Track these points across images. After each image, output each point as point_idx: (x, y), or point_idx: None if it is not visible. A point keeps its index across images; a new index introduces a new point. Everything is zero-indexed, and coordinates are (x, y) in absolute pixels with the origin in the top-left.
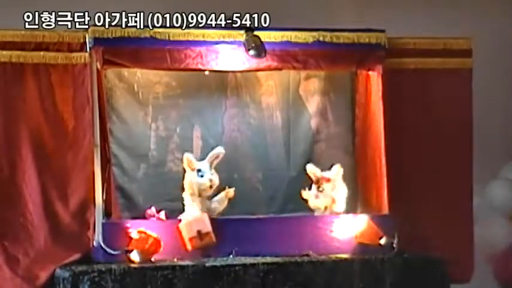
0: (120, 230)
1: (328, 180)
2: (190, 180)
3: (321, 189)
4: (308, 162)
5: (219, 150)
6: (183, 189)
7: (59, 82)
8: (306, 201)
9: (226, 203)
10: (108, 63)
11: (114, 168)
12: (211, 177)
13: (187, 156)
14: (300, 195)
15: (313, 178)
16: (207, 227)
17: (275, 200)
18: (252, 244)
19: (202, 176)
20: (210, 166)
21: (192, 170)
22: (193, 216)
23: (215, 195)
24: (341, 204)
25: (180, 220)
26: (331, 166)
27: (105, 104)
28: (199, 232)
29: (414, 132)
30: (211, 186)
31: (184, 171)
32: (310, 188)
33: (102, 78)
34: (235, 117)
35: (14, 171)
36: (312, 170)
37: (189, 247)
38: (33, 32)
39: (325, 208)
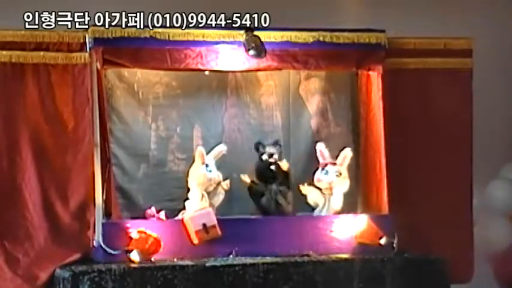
0: (120, 230)
1: (334, 163)
2: (202, 173)
3: (324, 171)
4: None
5: (222, 147)
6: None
7: (59, 82)
8: (305, 197)
9: (223, 195)
10: (108, 63)
11: (114, 168)
12: (218, 173)
13: (200, 149)
14: (299, 189)
15: (320, 157)
16: (213, 220)
17: None
18: (252, 244)
19: (210, 171)
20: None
21: (202, 164)
22: (199, 210)
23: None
24: (338, 198)
25: (183, 217)
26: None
27: (105, 104)
28: (205, 225)
29: (414, 132)
30: (216, 182)
31: (190, 166)
32: (309, 184)
33: (102, 78)
34: (235, 117)
35: (14, 171)
36: (321, 148)
37: (195, 241)
38: (33, 32)
39: (324, 204)
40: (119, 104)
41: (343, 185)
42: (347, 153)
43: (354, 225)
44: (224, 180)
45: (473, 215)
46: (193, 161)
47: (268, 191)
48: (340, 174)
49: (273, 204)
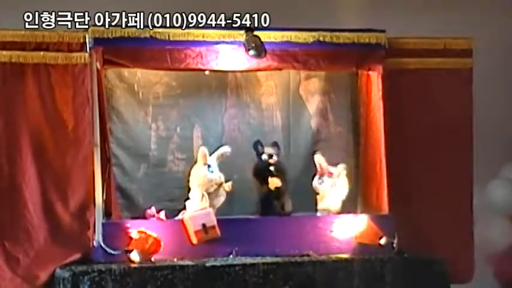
0: (120, 230)
1: (331, 174)
2: (203, 174)
3: (320, 180)
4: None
5: (226, 149)
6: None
7: (59, 82)
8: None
9: (224, 197)
10: (108, 63)
11: (114, 168)
12: (220, 174)
13: (203, 149)
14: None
15: (318, 168)
16: (213, 220)
17: None
18: (252, 244)
19: (212, 172)
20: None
21: (204, 164)
22: (199, 211)
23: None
24: (336, 203)
25: (183, 217)
26: (337, 164)
27: (105, 104)
28: (204, 226)
29: (414, 132)
30: (217, 183)
31: (190, 166)
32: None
33: (102, 78)
34: (235, 117)
35: (14, 171)
36: (318, 159)
37: (194, 240)
38: (33, 32)
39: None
40: (119, 104)
41: (339, 193)
42: (341, 170)
43: (354, 225)
44: (226, 181)
45: (473, 215)
46: (195, 161)
47: (271, 193)
48: (336, 186)
49: (278, 205)
